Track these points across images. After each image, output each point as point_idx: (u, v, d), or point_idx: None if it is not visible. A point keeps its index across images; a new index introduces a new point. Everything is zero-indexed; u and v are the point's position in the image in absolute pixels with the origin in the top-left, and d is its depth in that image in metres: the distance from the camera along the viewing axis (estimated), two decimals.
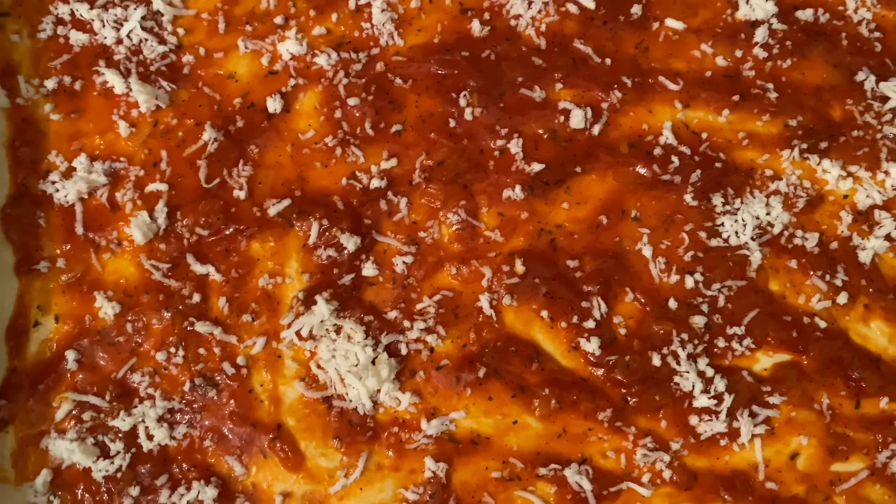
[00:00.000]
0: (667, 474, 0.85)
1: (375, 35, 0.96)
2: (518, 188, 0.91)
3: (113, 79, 0.92)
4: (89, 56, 0.94)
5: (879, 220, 0.93)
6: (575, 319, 0.88)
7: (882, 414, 0.87)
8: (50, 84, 0.93)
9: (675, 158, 0.92)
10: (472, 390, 0.86)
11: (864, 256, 0.92)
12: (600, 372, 0.87)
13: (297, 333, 0.86)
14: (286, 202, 0.89)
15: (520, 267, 0.90)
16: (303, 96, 0.94)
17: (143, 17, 0.94)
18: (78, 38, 0.94)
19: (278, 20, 0.95)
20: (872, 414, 0.87)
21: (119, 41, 0.94)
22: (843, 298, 0.90)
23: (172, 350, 0.86)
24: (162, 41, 0.94)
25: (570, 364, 0.88)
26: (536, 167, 0.92)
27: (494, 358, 0.87)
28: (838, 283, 0.91)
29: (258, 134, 0.92)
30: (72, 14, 0.94)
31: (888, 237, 0.92)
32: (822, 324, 0.90)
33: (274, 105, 0.92)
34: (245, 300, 0.87)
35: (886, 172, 0.94)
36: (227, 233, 0.89)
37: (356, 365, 0.85)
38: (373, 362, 0.85)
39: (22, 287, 0.87)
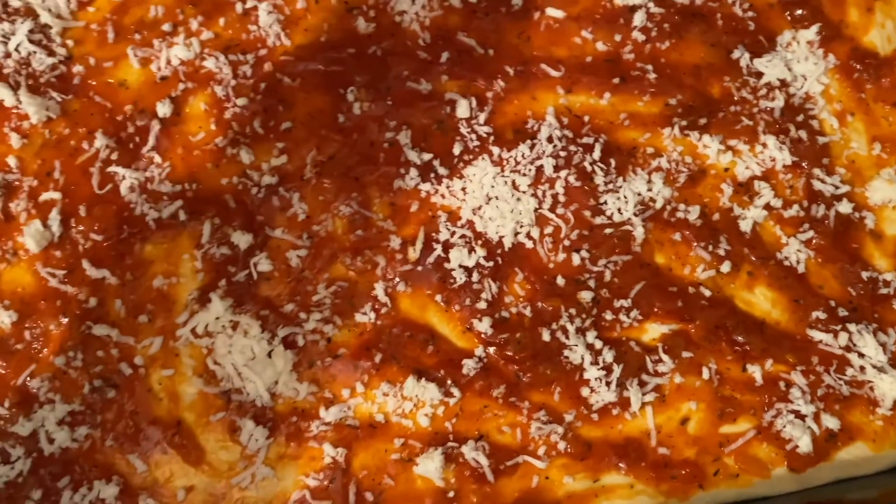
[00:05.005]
0: (562, 446, 0.87)
1: (262, 37, 0.98)
2: (408, 178, 0.93)
3: (2, 93, 0.93)
4: None
5: (759, 190, 0.97)
6: (468, 302, 0.91)
7: (767, 375, 0.90)
8: None
9: (557, 142, 0.95)
10: (368, 376, 0.88)
11: (745, 226, 0.95)
12: (493, 350, 0.89)
13: (193, 331, 0.88)
14: (178, 203, 0.91)
15: (413, 254, 0.92)
16: (192, 100, 0.95)
17: (31, 31, 0.95)
18: None
19: (166, 27, 0.97)
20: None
21: (7, 55, 0.95)
22: (726, 267, 0.93)
23: (71, 354, 0.87)
24: (51, 53, 0.96)
25: (464, 345, 0.90)
26: (426, 157, 0.94)
27: (391, 344, 0.89)
28: (721, 252, 0.94)
29: (148, 138, 0.94)
30: None
31: (767, 206, 0.96)
32: (708, 293, 0.93)
33: (164, 110, 0.94)
34: (141, 301, 0.89)
35: (764, 144, 0.98)
36: (122, 237, 0.91)
37: (252, 359, 0.87)
38: (269, 355, 0.87)
39: None
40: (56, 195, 0.91)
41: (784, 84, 1.01)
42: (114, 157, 0.92)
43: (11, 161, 0.93)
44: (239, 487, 0.85)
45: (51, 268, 0.89)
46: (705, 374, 0.90)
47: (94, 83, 0.96)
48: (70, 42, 0.97)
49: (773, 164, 0.98)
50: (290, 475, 0.85)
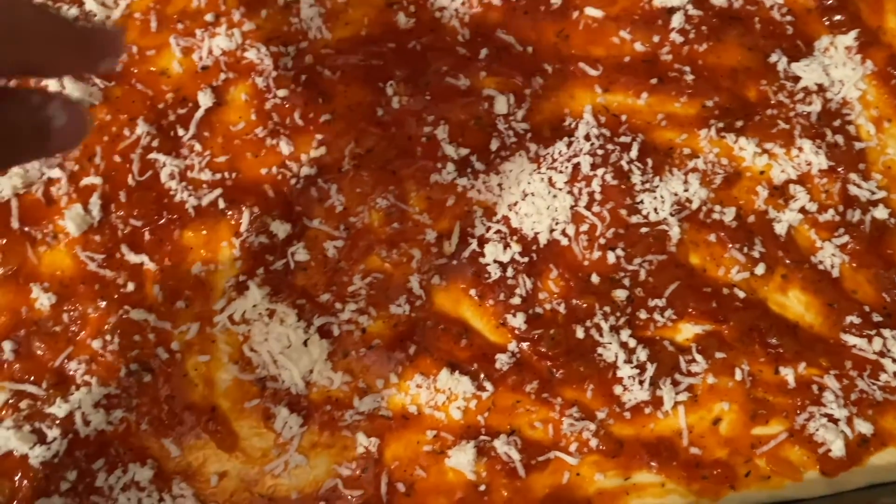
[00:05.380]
0: (593, 443, 0.87)
1: (304, 29, 0.99)
2: (445, 172, 0.94)
3: (47, 79, 0.94)
4: None
5: (794, 193, 0.97)
6: (502, 297, 0.91)
7: (800, 378, 0.90)
8: None
9: (595, 140, 0.96)
10: (402, 368, 0.88)
11: (780, 229, 0.95)
12: (526, 345, 0.90)
13: (230, 318, 0.88)
14: (218, 191, 0.92)
15: (448, 248, 0.93)
16: (234, 90, 0.96)
17: (76, 18, 0.97)
18: None
19: (209, 17, 0.98)
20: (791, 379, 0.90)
21: None
22: (760, 269, 0.93)
23: (108, 338, 0.87)
24: None
25: (498, 339, 0.90)
26: (463, 152, 0.95)
27: (425, 336, 0.90)
28: (756, 255, 0.94)
29: (189, 127, 0.95)
30: None
31: (802, 210, 0.96)
32: (742, 294, 0.93)
33: (205, 99, 0.95)
34: (179, 287, 0.90)
35: (800, 148, 0.98)
36: (161, 223, 0.91)
37: (288, 347, 0.87)
38: (305, 344, 0.88)
39: None
40: (97, 180, 0.92)
41: (821, 89, 1.01)
42: (154, 144, 0.93)
43: None
44: (272, 474, 0.85)
45: (90, 252, 0.90)
46: (738, 376, 0.90)
47: (136, 71, 0.97)
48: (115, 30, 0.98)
49: (808, 168, 0.98)
50: (323, 464, 0.86)
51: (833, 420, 0.88)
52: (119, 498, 0.83)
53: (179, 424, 0.86)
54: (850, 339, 0.92)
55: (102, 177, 0.92)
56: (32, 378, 0.87)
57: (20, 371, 0.87)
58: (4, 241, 0.91)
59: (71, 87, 0.93)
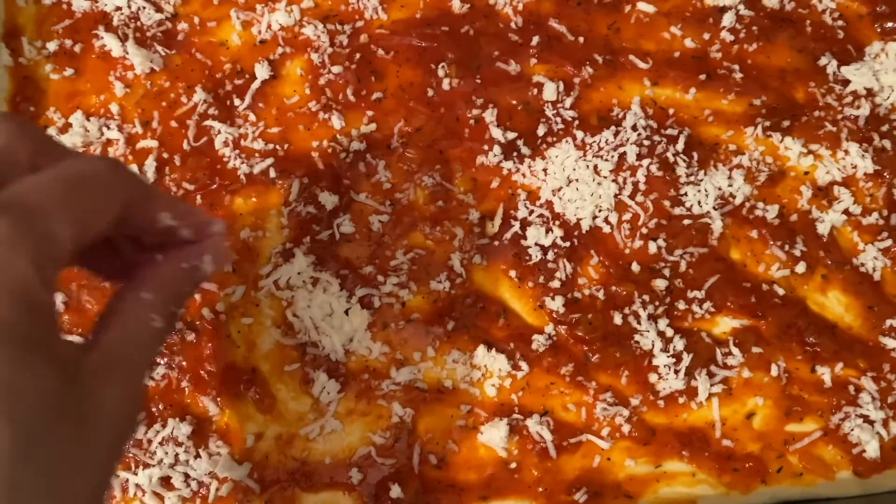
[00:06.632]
0: (626, 429, 0.88)
1: (360, 9, 1.01)
2: (491, 155, 0.95)
3: (111, 43, 0.97)
4: (90, 21, 0.99)
5: (838, 195, 0.97)
6: (541, 280, 0.92)
7: (836, 378, 0.90)
8: (52, 46, 0.98)
9: (642, 131, 0.97)
10: (440, 342, 0.89)
11: (823, 229, 0.96)
12: (563, 329, 0.90)
13: (275, 283, 0.90)
14: (269, 161, 0.94)
15: (491, 229, 0.94)
16: (289, 64, 0.99)
17: None
18: (80, 4, 0.99)
19: None
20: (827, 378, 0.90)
21: (118, 8, 0.99)
22: (801, 268, 0.93)
23: None
24: (159, 9, 1.00)
25: (535, 321, 0.91)
26: (510, 136, 0.96)
27: (463, 313, 0.91)
28: (797, 253, 0.94)
29: (245, 97, 0.97)
30: None
31: (846, 212, 0.96)
32: (781, 291, 0.93)
33: (262, 71, 0.97)
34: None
35: (846, 151, 0.98)
36: (213, 188, 0.93)
37: (330, 315, 0.89)
38: (346, 313, 0.89)
39: None
40: (153, 143, 0.95)
41: (870, 93, 1.01)
42: (211, 111, 0.96)
43: (114, 108, 0.96)
44: (307, 438, 0.86)
45: None
46: (774, 372, 0.90)
47: (196, 41, 0.99)
48: (177, 0, 1.01)
49: (854, 171, 0.98)
50: (358, 431, 0.87)
51: (869, 421, 0.88)
52: (157, 451, 0.85)
53: (220, 384, 0.87)
54: (890, 343, 0.91)
55: (158, 140, 0.95)
56: (80, 330, 0.89)
57: (69, 323, 0.89)
58: None
59: (133, 52, 0.95)
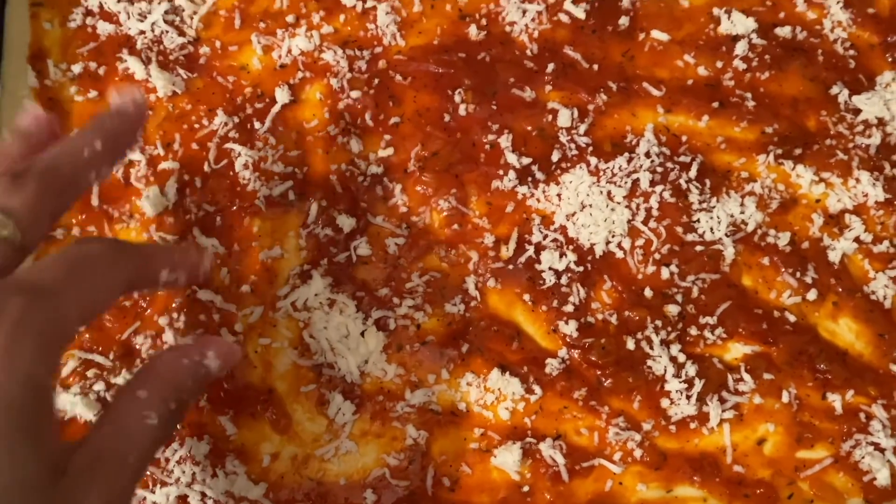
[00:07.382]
0: (638, 453, 0.89)
1: (379, 35, 1.03)
2: (506, 179, 0.97)
3: (135, 66, 0.99)
4: (114, 45, 1.01)
5: (849, 223, 0.98)
6: (555, 304, 0.93)
7: (847, 405, 0.91)
8: (76, 69, 1.00)
9: (655, 157, 0.98)
10: (454, 365, 0.90)
11: (834, 256, 0.96)
12: (577, 353, 0.91)
13: (293, 304, 0.91)
14: (288, 184, 0.96)
15: (505, 253, 0.95)
16: (309, 88, 1.00)
17: (166, 11, 1.02)
18: (105, 28, 1.01)
19: (290, 19, 1.03)
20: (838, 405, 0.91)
21: (142, 32, 1.01)
22: (812, 295, 0.94)
23: (175, 315, 0.91)
24: (181, 33, 1.02)
25: (548, 345, 0.92)
26: (524, 161, 0.98)
27: (477, 336, 0.92)
28: (808, 280, 0.95)
29: (265, 121, 0.99)
30: (100, 6, 1.02)
31: (857, 240, 0.97)
32: (792, 318, 0.94)
33: (282, 95, 0.99)
34: (245, 272, 0.93)
35: (857, 179, 1.00)
36: (233, 209, 0.95)
37: (346, 336, 0.90)
38: (362, 335, 0.90)
39: (38, 253, 0.93)
40: (175, 165, 0.96)
41: (881, 122, 1.02)
42: (232, 134, 0.97)
43: None
44: (322, 459, 0.87)
45: (163, 232, 0.94)
46: (785, 398, 0.91)
47: (218, 65, 1.01)
48: (200, 24, 1.03)
49: (865, 200, 0.99)
50: (372, 452, 0.88)
51: (879, 449, 0.89)
52: (174, 470, 0.86)
53: (236, 404, 0.89)
54: None
55: (180, 162, 0.97)
56: (100, 349, 0.91)
57: (89, 341, 0.91)
58: (84, 216, 0.95)
59: (156, 76, 0.97)
